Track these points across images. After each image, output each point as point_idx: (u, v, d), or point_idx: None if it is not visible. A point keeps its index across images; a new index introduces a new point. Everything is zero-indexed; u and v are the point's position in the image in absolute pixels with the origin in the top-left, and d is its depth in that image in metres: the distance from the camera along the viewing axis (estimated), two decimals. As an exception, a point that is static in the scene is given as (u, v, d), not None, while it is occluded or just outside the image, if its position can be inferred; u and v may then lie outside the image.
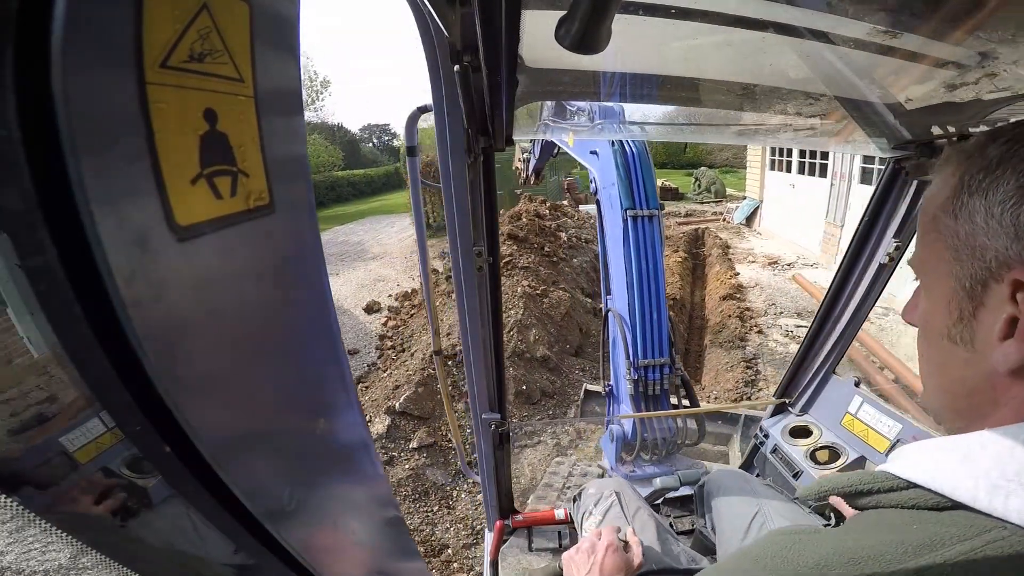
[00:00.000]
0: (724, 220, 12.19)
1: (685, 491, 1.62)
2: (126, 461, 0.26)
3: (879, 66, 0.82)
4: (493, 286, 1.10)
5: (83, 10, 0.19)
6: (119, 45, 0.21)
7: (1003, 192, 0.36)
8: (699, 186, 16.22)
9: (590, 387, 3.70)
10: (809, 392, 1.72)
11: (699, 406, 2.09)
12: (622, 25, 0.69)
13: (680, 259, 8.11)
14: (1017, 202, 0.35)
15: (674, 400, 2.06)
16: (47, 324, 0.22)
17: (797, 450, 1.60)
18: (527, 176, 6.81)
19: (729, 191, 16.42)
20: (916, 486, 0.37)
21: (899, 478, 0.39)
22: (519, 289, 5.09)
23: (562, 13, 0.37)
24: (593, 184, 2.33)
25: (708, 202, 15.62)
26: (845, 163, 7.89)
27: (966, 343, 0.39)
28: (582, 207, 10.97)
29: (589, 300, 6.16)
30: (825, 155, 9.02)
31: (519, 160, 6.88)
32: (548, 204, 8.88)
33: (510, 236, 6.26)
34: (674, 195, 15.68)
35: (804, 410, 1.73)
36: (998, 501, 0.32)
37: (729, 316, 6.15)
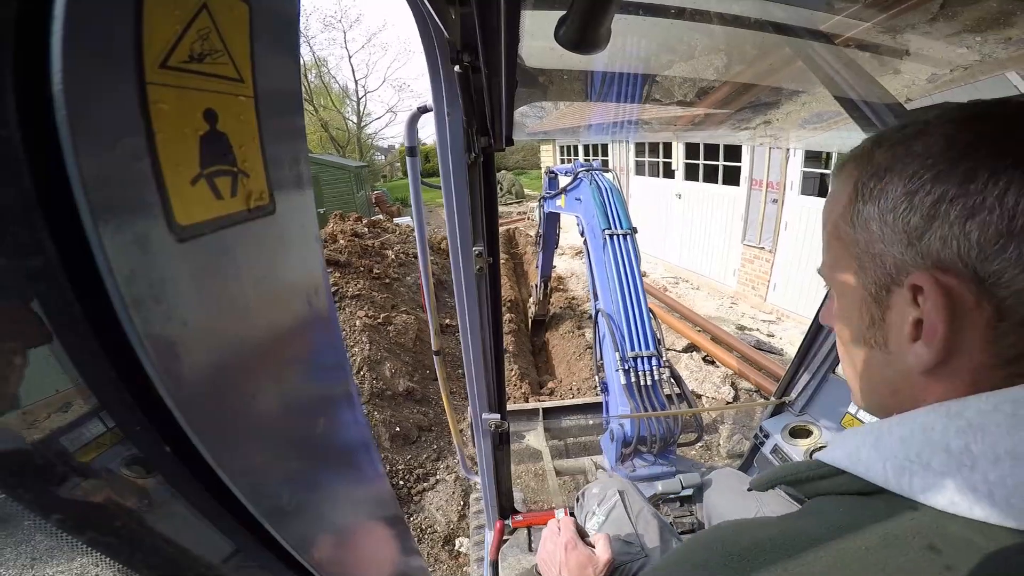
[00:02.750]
0: (528, 218, 12.63)
1: (686, 492, 1.62)
2: (126, 461, 0.26)
3: (879, 66, 0.82)
4: (493, 286, 1.10)
5: (83, 10, 0.19)
6: (119, 45, 0.21)
7: (892, 199, 0.36)
8: (502, 189, 16.94)
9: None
10: (809, 392, 1.72)
11: (689, 397, 2.17)
12: (622, 25, 0.69)
13: (502, 261, 7.64)
14: (907, 208, 0.35)
15: (667, 391, 2.14)
16: (47, 324, 0.22)
17: (797, 450, 1.60)
18: (537, 297, 5.66)
19: (527, 191, 17.77)
20: (844, 472, 0.39)
21: (828, 465, 0.40)
22: (357, 322, 4.49)
23: (562, 13, 0.37)
24: (579, 226, 2.84)
25: (511, 203, 16.42)
26: (622, 158, 6.00)
27: (880, 346, 0.40)
28: (397, 220, 10.33)
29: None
30: (606, 150, 7.34)
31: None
32: (365, 221, 7.64)
33: (328, 263, 5.39)
34: (483, 200, 16.47)
35: (804, 410, 1.73)
36: (904, 482, 0.34)
37: (559, 308, 6.16)
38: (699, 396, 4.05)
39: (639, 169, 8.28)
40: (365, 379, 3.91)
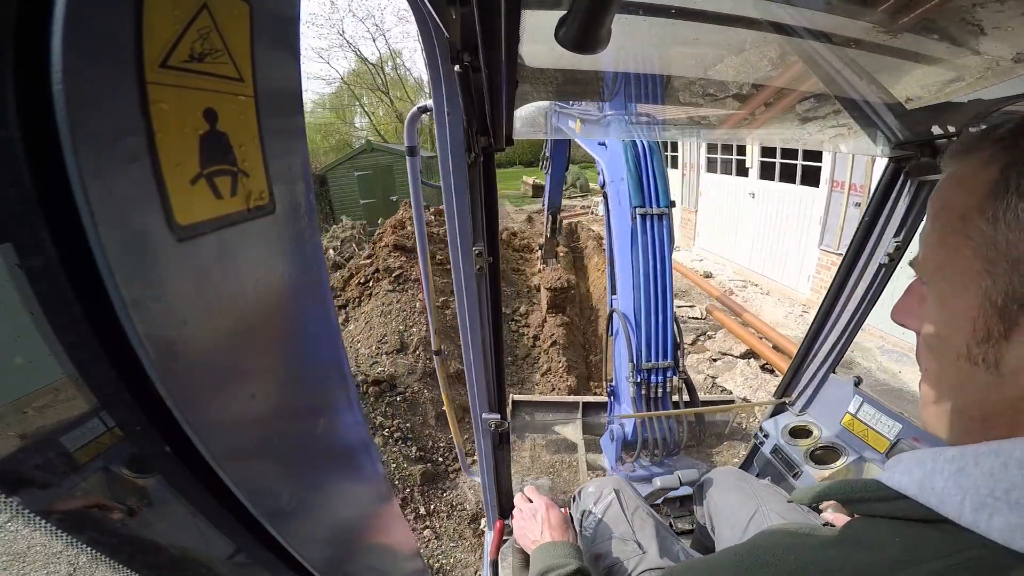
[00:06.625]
0: (592, 213, 12.60)
1: (685, 491, 1.62)
2: (126, 461, 0.26)
3: (879, 66, 0.82)
4: (493, 286, 1.10)
5: (83, 10, 0.19)
6: (119, 45, 0.21)
7: None
8: (566, 182, 17.02)
9: (517, 398, 3.58)
10: (809, 392, 1.72)
11: (697, 407, 2.09)
12: (622, 25, 0.69)
13: (562, 253, 7.59)
14: None
15: (675, 399, 2.06)
16: (47, 324, 0.22)
17: (797, 450, 1.60)
18: (545, 232, 5.35)
19: (592, 185, 17.47)
20: (906, 497, 0.36)
21: (890, 489, 0.37)
22: (417, 304, 4.69)
23: (562, 13, 0.37)
24: (601, 176, 2.19)
25: (576, 197, 16.33)
26: (693, 154, 6.46)
27: (989, 365, 0.35)
28: None
29: (489, 305, 5.89)
30: (675, 146, 7.58)
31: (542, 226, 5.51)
32: (432, 209, 7.85)
33: (396, 247, 5.71)
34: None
35: (804, 410, 1.73)
36: (982, 519, 0.31)
37: None
38: (746, 400, 3.99)
39: (711, 166, 7.96)
40: (419, 359, 4.02)
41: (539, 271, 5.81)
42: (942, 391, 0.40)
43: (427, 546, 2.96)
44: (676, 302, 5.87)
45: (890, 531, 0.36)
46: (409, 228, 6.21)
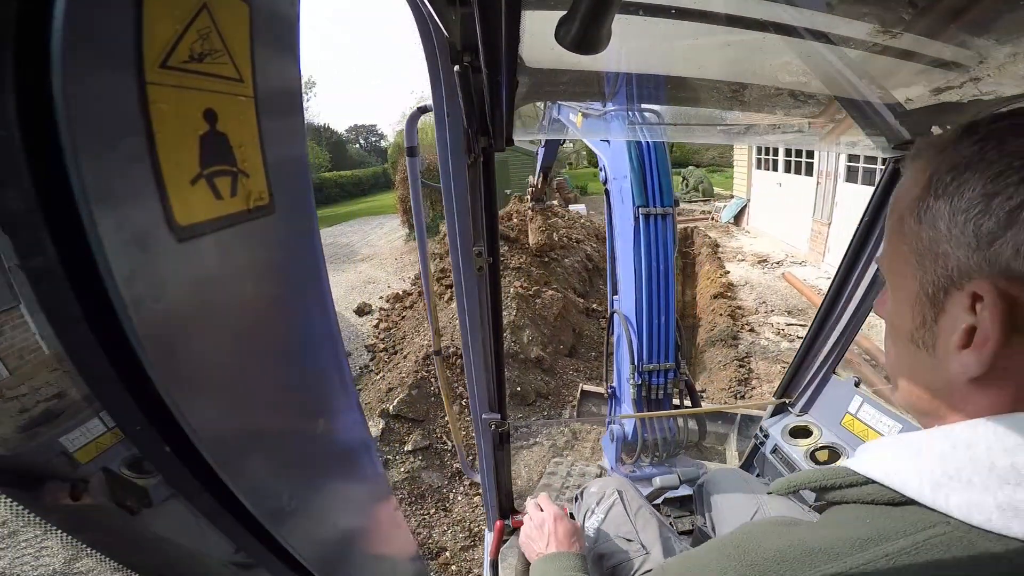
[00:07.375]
0: (712, 219, 11.96)
1: (685, 491, 1.61)
2: (126, 461, 0.26)
3: (879, 66, 0.82)
4: (493, 286, 1.10)
5: (83, 10, 0.19)
6: (119, 45, 0.21)
7: (968, 199, 0.34)
8: (687, 185, 16.31)
9: (586, 387, 3.70)
10: (809, 392, 1.72)
11: (700, 406, 2.09)
12: (622, 25, 0.69)
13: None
14: (981, 211, 0.33)
15: (676, 402, 2.06)
16: (47, 324, 0.22)
17: (797, 450, 1.60)
18: (536, 183, 6.41)
19: (716, 190, 16.59)
20: (874, 482, 0.38)
21: (858, 474, 0.40)
22: (512, 290, 5.14)
23: (562, 13, 0.37)
24: (603, 173, 2.17)
25: (696, 201, 15.66)
26: (831, 162, 7.12)
27: (928, 348, 0.39)
28: (571, 207, 10.93)
29: (581, 300, 6.19)
30: (811, 153, 7.64)
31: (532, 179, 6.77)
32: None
33: (501, 237, 6.18)
34: (661, 194, 16.13)
35: (804, 410, 1.73)
36: (940, 497, 0.34)
37: (720, 315, 6.16)
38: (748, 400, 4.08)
39: (851, 175, 7.33)
40: (506, 340, 4.36)
41: (531, 208, 7.14)
42: (900, 372, 0.44)
43: (473, 511, 3.23)
44: (788, 319, 5.97)
45: (861, 514, 0.38)
46: (516, 219, 6.88)
